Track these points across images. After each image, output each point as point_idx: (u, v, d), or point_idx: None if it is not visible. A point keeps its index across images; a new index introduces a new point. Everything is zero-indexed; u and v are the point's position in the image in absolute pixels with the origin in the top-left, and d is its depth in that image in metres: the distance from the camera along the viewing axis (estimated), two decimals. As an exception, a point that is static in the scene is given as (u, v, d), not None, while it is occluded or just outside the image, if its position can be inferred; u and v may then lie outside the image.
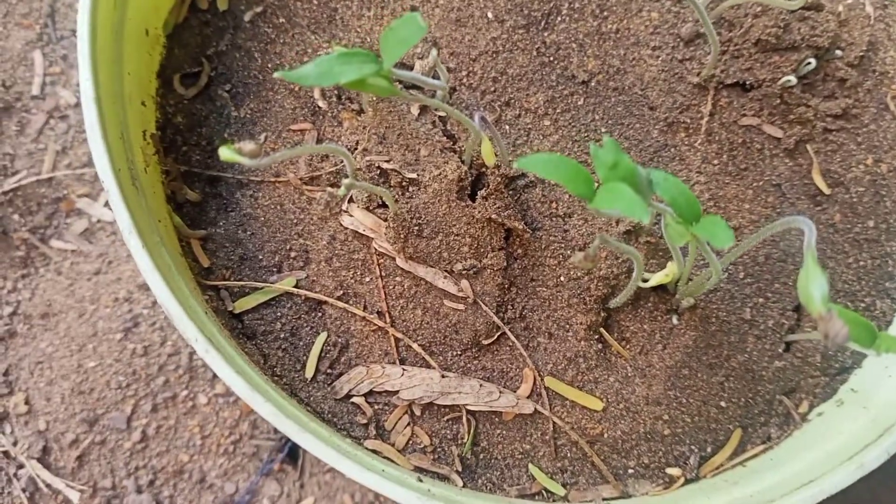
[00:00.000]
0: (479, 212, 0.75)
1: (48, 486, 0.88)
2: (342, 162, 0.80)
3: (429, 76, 0.81)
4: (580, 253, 0.62)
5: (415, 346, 0.76)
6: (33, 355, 0.92)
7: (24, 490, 0.88)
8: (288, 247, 0.80)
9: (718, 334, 0.78)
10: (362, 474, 0.62)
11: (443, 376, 0.75)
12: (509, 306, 0.77)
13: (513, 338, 0.77)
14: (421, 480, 0.70)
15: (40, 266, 0.96)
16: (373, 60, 0.57)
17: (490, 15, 0.86)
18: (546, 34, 0.86)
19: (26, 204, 0.98)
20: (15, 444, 0.89)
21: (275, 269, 0.80)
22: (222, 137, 0.84)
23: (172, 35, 0.87)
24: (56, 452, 0.89)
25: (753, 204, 0.82)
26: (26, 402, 0.90)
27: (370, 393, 0.76)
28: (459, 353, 0.76)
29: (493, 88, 0.84)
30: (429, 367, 0.76)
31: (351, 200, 0.79)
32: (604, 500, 0.75)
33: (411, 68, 0.83)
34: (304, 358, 0.77)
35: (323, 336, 0.77)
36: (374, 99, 0.80)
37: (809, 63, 0.83)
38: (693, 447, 0.77)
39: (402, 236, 0.74)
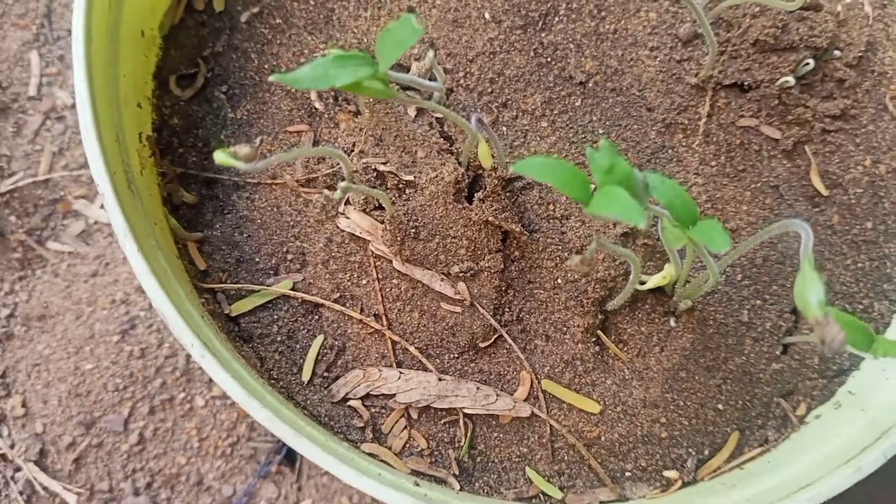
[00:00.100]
0: (476, 214, 0.74)
1: (45, 488, 0.88)
2: (339, 164, 0.79)
3: (426, 77, 0.81)
4: (577, 257, 0.61)
5: (412, 348, 0.76)
6: (30, 357, 0.92)
7: (21, 493, 0.88)
8: (284, 249, 0.80)
9: (716, 337, 0.78)
10: (358, 479, 0.62)
11: (440, 379, 0.75)
12: (506, 309, 0.77)
13: (510, 340, 0.77)
14: (418, 484, 0.70)
15: (37, 268, 0.96)
16: (368, 63, 0.57)
17: (487, 15, 0.85)
18: (543, 35, 0.86)
19: (23, 206, 0.98)
20: (12, 446, 0.89)
21: (271, 272, 0.79)
22: (219, 139, 0.84)
23: (168, 36, 0.87)
24: (53, 455, 0.89)
25: (751, 205, 0.82)
26: (23, 405, 0.90)
27: (367, 396, 0.76)
28: (456, 355, 0.76)
29: (490, 89, 0.83)
30: (426, 370, 0.76)
31: (347, 203, 0.78)
32: (601, 503, 0.75)
33: (408, 69, 0.83)
34: (301, 361, 0.77)
35: (320, 339, 0.77)
36: (371, 100, 0.79)
37: (808, 63, 0.82)
38: (690, 450, 0.77)
39: (398, 239, 0.74)
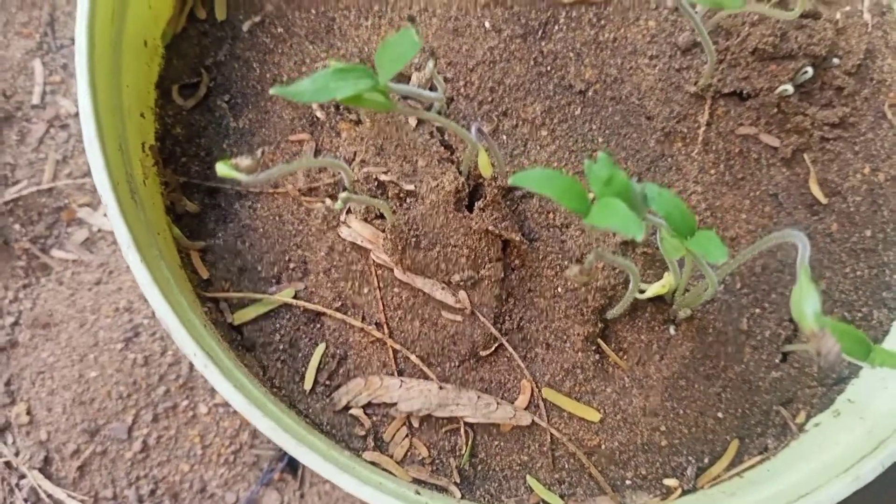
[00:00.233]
0: (477, 223, 0.75)
1: (50, 496, 0.89)
2: (340, 173, 0.80)
3: (426, 87, 0.81)
4: (575, 267, 0.62)
5: (413, 357, 0.77)
6: (35, 365, 0.92)
7: (25, 500, 0.88)
8: (287, 258, 0.80)
9: (715, 345, 0.78)
10: (359, 488, 0.62)
11: (441, 388, 0.75)
12: (507, 317, 0.78)
13: (510, 349, 0.77)
14: (419, 493, 0.71)
15: (41, 276, 0.97)
16: (368, 76, 0.57)
17: (487, 24, 0.86)
18: (543, 44, 0.86)
19: (27, 214, 0.98)
20: (17, 454, 0.90)
21: (274, 281, 0.80)
22: (221, 148, 0.84)
23: (171, 46, 0.87)
24: (57, 463, 0.89)
25: (750, 214, 0.82)
26: (28, 413, 0.91)
27: (368, 405, 0.76)
28: (457, 364, 0.77)
29: (490, 98, 0.84)
30: (427, 378, 0.76)
31: (349, 212, 0.79)
32: (601, 510, 0.75)
33: (408, 78, 0.83)
34: (303, 369, 0.77)
35: (321, 347, 0.78)
36: (372, 110, 0.80)
37: (806, 72, 0.83)
38: (690, 458, 0.77)
39: (399, 248, 0.75)
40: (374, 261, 0.77)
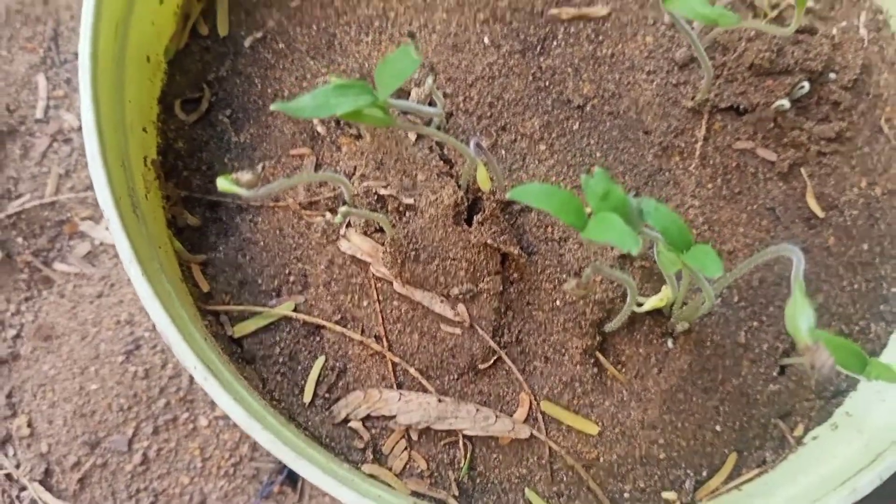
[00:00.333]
0: (476, 236, 0.75)
1: (50, 507, 0.89)
2: (341, 187, 0.81)
3: (425, 102, 0.82)
4: (573, 280, 0.62)
5: (412, 370, 0.77)
6: (36, 378, 0.93)
7: (26, 512, 0.89)
8: (287, 271, 0.81)
9: (713, 358, 0.79)
10: (359, 501, 0.63)
11: (439, 401, 0.76)
12: (505, 330, 0.78)
13: (509, 362, 0.77)
14: (417, 505, 0.71)
15: (43, 289, 0.97)
16: (368, 92, 0.58)
17: (486, 40, 0.87)
18: (542, 59, 0.87)
19: (30, 227, 0.99)
20: (17, 466, 0.90)
21: (274, 294, 0.80)
22: (222, 162, 0.85)
23: (174, 61, 0.88)
24: (58, 475, 0.90)
25: (748, 227, 0.83)
26: (29, 425, 0.91)
27: (367, 417, 0.77)
28: (456, 377, 0.77)
29: (489, 113, 0.85)
30: (426, 391, 0.77)
31: (349, 225, 0.79)
32: (599, 523, 0.75)
33: (408, 94, 0.84)
34: (303, 382, 0.78)
35: (321, 360, 0.78)
36: (373, 125, 0.81)
37: (803, 87, 0.83)
38: (688, 471, 0.77)
39: (398, 261, 0.75)
40: (373, 274, 0.78)
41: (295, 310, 0.79)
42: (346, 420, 0.77)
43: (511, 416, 0.76)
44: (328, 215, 0.80)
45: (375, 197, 0.79)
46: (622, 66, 0.87)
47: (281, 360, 0.78)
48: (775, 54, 0.83)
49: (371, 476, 0.74)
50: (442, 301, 0.77)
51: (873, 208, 0.85)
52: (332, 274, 0.79)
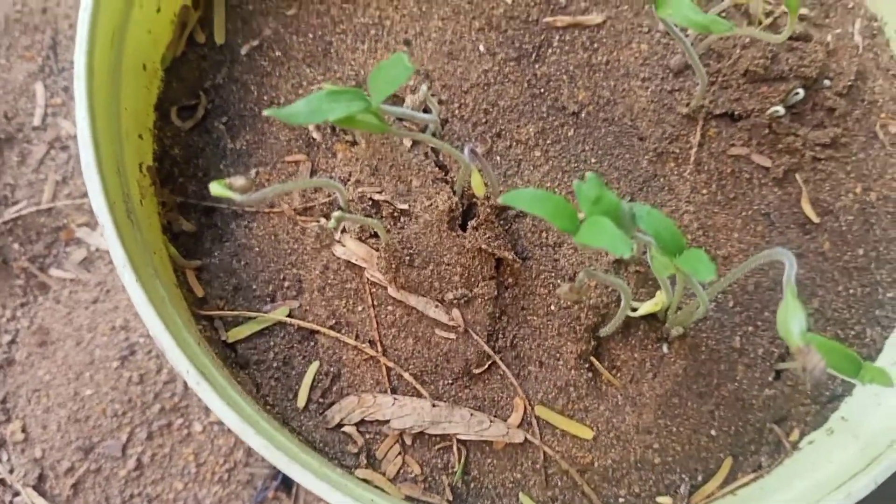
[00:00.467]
0: (470, 242, 0.76)
1: (44, 513, 0.89)
2: (335, 193, 0.81)
3: (420, 109, 0.82)
4: (566, 284, 0.62)
5: (406, 375, 0.77)
6: (31, 383, 0.93)
7: (19, 518, 0.89)
8: (281, 276, 0.81)
9: (708, 363, 0.79)
10: (352, 505, 0.63)
11: (434, 405, 0.76)
12: (500, 335, 0.78)
13: (503, 367, 0.77)
14: (411, 510, 0.71)
15: (39, 295, 0.98)
16: (362, 98, 0.59)
17: (482, 48, 0.87)
18: (537, 66, 0.87)
19: (26, 233, 0.99)
20: (11, 471, 0.90)
21: (268, 299, 0.80)
22: (218, 169, 0.85)
23: (170, 69, 0.89)
24: (52, 480, 0.89)
25: (742, 233, 0.83)
26: (23, 430, 0.91)
27: (361, 422, 0.76)
28: (450, 382, 0.77)
29: (484, 120, 0.85)
30: (420, 396, 0.76)
31: (344, 231, 0.80)
32: (594, 529, 0.75)
33: (403, 101, 0.84)
34: (297, 387, 0.78)
35: (315, 365, 0.78)
36: (368, 132, 0.81)
37: (798, 93, 0.84)
38: (684, 476, 0.77)
39: (393, 266, 0.75)
40: (368, 279, 0.78)
41: (289, 315, 0.79)
42: (340, 425, 0.76)
43: (505, 420, 0.76)
44: (323, 220, 0.80)
45: (370, 202, 0.79)
46: (617, 73, 0.87)
47: (275, 364, 0.78)
48: (770, 61, 0.83)
49: (365, 481, 0.74)
50: (436, 306, 0.77)
51: (868, 213, 0.85)
52: (327, 279, 0.79)
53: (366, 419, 0.76)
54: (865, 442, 0.73)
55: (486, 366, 0.77)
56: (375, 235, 0.78)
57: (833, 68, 0.87)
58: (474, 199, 0.79)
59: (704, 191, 0.84)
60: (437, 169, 0.81)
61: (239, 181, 0.56)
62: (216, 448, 0.91)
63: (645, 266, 0.79)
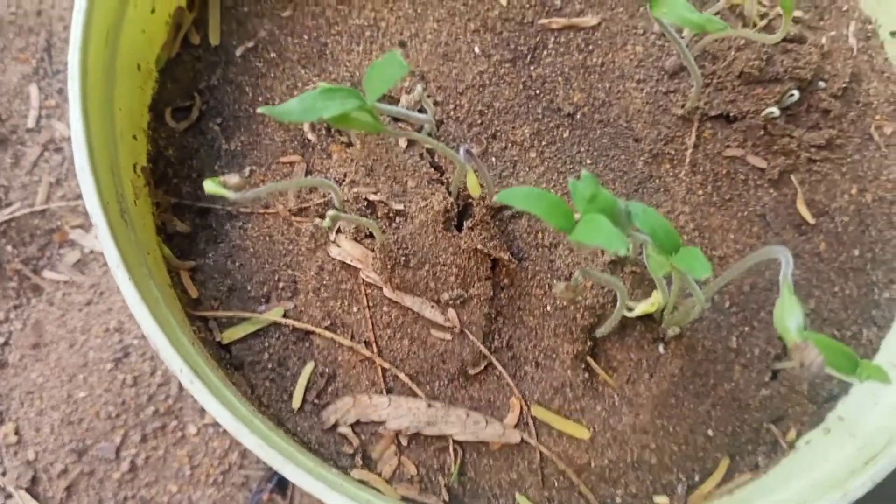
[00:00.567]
0: (466, 242, 0.75)
1: (37, 517, 0.88)
2: (330, 193, 0.81)
3: (414, 110, 0.82)
4: (561, 283, 0.62)
5: (402, 375, 0.77)
6: (24, 385, 0.92)
7: (12, 521, 0.88)
8: (276, 277, 0.80)
9: (705, 363, 0.79)
10: (347, 506, 0.62)
11: (429, 406, 0.75)
12: (496, 336, 0.78)
13: (500, 367, 0.77)
14: (406, 511, 0.70)
15: (32, 297, 0.97)
16: (356, 96, 0.58)
17: (477, 49, 0.87)
18: (532, 68, 0.87)
19: (20, 235, 0.99)
20: (4, 474, 0.90)
21: (263, 300, 0.80)
22: (212, 169, 0.85)
23: (165, 70, 0.88)
24: (45, 483, 0.89)
25: (738, 234, 0.83)
26: (16, 433, 0.91)
27: (357, 423, 0.76)
28: (446, 382, 0.77)
29: (479, 121, 0.85)
30: (415, 396, 0.76)
31: (339, 231, 0.79)
32: (591, 530, 0.75)
33: (398, 102, 0.84)
34: (292, 388, 0.77)
35: (310, 366, 0.78)
36: (363, 132, 0.81)
37: (793, 95, 0.84)
38: (681, 476, 0.77)
39: (388, 267, 0.75)
40: (363, 280, 0.78)
41: (284, 316, 0.79)
42: (336, 426, 0.76)
43: (502, 421, 0.76)
44: (318, 220, 0.80)
45: (365, 203, 0.79)
46: (612, 74, 0.87)
47: (270, 365, 0.78)
48: (764, 63, 0.83)
49: (361, 481, 0.73)
50: (432, 306, 0.77)
51: (864, 214, 0.85)
52: (322, 280, 0.79)
53: (361, 420, 0.76)
54: (862, 441, 0.73)
55: (482, 366, 0.77)
56: (371, 236, 0.78)
57: (828, 70, 0.88)
58: (470, 200, 0.79)
59: (700, 192, 0.84)
60: (432, 170, 0.81)
61: (233, 179, 0.56)
62: (211, 450, 0.90)
63: (641, 266, 0.79)
